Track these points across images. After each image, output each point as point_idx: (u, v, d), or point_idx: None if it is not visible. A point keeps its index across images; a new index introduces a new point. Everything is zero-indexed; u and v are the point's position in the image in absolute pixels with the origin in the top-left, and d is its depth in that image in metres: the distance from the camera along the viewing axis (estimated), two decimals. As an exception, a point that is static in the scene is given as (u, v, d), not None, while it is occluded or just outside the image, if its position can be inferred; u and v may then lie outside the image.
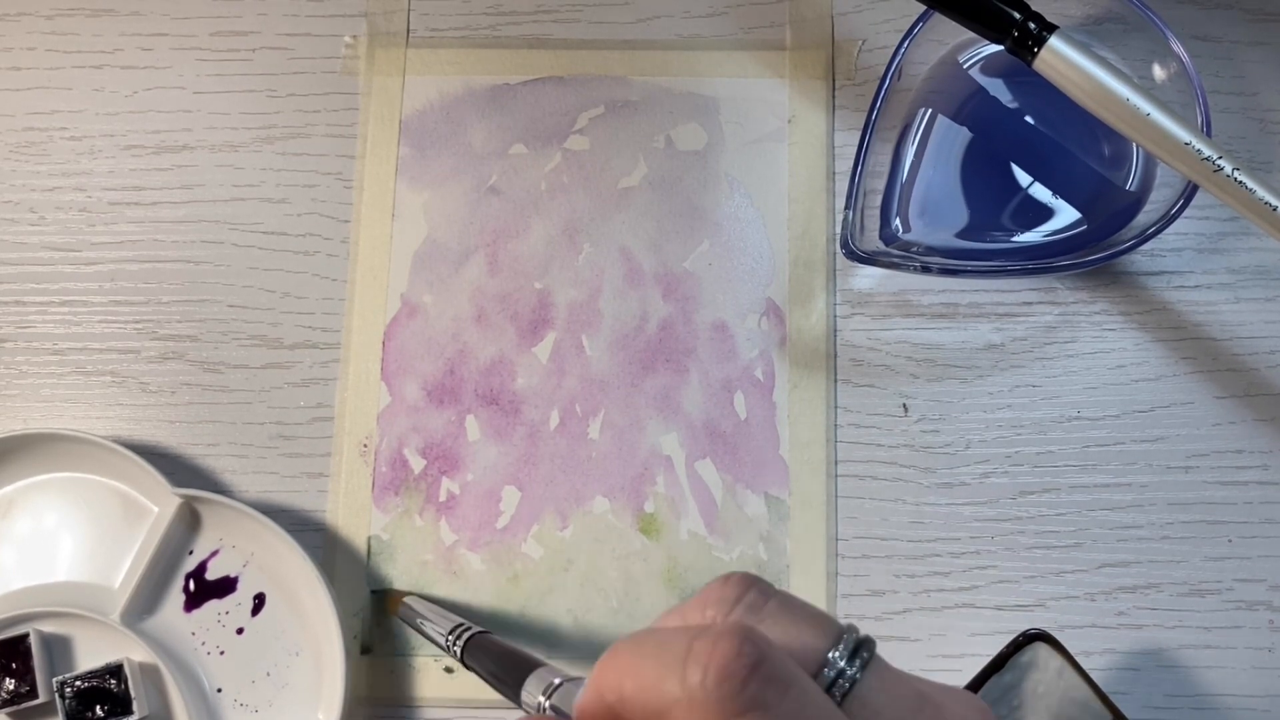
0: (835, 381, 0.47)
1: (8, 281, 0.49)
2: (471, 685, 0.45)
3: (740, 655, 0.21)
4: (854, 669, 0.23)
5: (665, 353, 0.48)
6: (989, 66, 0.48)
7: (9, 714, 0.44)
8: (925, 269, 0.44)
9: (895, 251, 0.45)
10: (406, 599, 0.44)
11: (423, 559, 0.46)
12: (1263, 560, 0.45)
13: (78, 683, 0.43)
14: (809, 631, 0.24)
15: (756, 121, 0.49)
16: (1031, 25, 0.42)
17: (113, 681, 0.43)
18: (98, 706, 0.43)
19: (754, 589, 0.24)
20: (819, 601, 0.45)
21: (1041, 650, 0.40)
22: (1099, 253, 0.44)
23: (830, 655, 0.23)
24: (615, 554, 0.46)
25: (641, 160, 0.49)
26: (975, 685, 0.40)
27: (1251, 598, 0.45)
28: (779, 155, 0.49)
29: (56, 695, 0.43)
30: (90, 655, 0.45)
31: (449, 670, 0.45)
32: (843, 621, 0.24)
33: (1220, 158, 0.41)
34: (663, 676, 0.22)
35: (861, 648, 0.23)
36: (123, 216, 0.50)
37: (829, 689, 0.23)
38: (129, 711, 0.43)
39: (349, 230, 0.49)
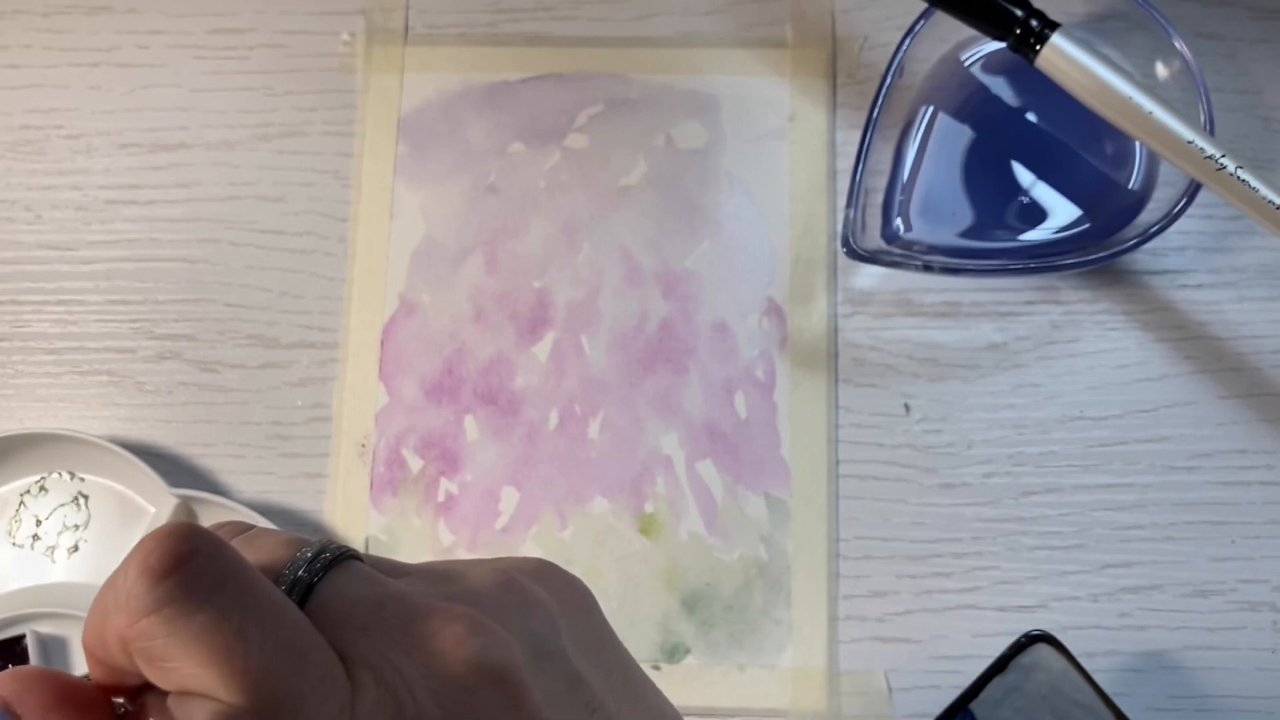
0: (836, 381, 0.47)
1: (3, 280, 0.49)
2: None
3: (160, 550, 0.21)
4: (310, 574, 0.23)
5: (665, 353, 0.47)
6: (991, 64, 0.47)
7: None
8: (927, 268, 0.44)
9: (897, 250, 0.45)
10: None
11: (421, 560, 0.46)
12: (1266, 561, 0.45)
13: None
14: (278, 549, 0.24)
15: (757, 120, 0.49)
16: (1034, 23, 0.42)
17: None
18: None
19: (222, 531, 0.24)
20: (819, 602, 0.45)
21: (1044, 651, 0.40)
22: (1102, 251, 0.44)
23: (286, 568, 0.23)
24: (615, 555, 0.46)
25: (641, 159, 0.49)
26: (977, 686, 0.40)
27: (1255, 598, 0.44)
28: (780, 153, 0.49)
29: None
30: (86, 657, 0.44)
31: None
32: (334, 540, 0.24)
33: (1224, 156, 0.41)
34: (104, 592, 0.21)
35: (319, 558, 0.23)
36: (119, 215, 0.49)
37: (289, 591, 0.23)
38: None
39: (346, 229, 0.49)
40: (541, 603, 0.26)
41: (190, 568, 0.21)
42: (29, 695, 0.22)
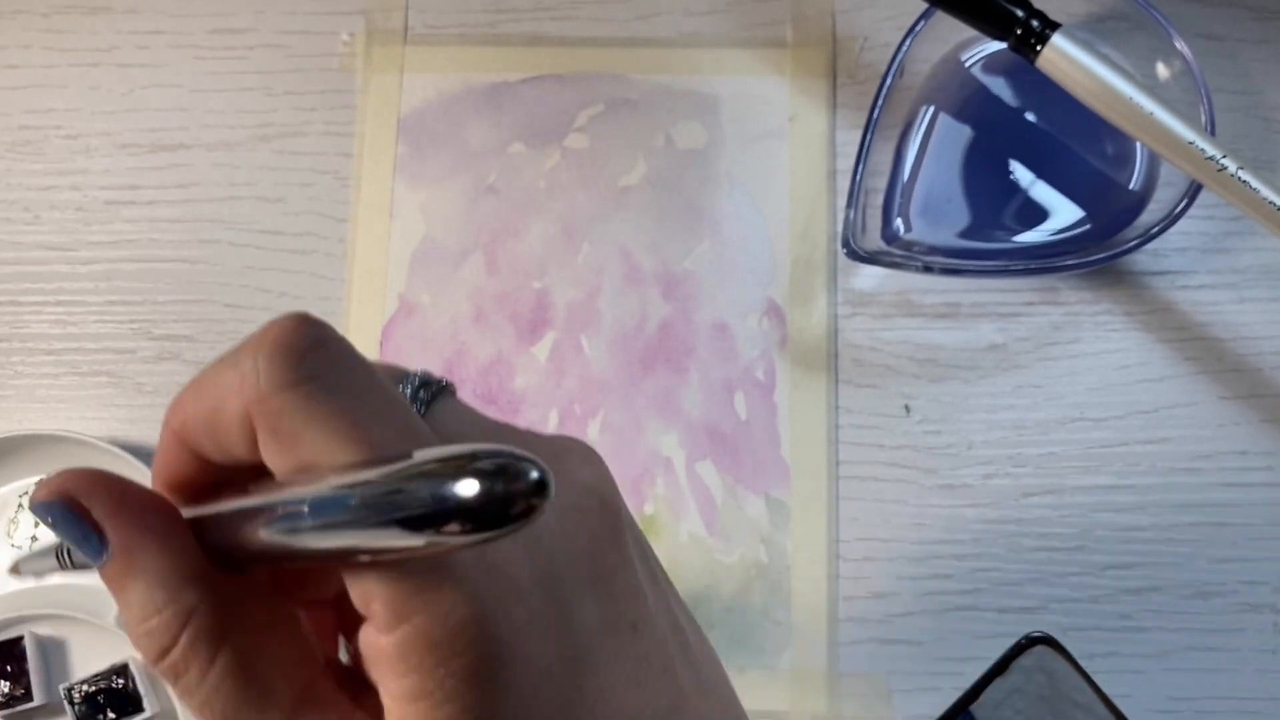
0: (836, 382, 0.47)
1: (3, 281, 0.49)
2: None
3: (298, 333, 0.21)
4: (424, 397, 0.23)
5: (665, 353, 0.47)
6: (991, 64, 0.47)
7: (6, 716, 0.44)
8: (927, 269, 0.44)
9: (897, 251, 0.45)
10: None
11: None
12: (1267, 562, 0.45)
13: (85, 687, 0.43)
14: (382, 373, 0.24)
15: (757, 120, 0.49)
16: (1034, 23, 0.42)
17: (120, 681, 0.43)
18: (107, 709, 0.43)
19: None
20: (820, 603, 0.45)
21: (1045, 653, 0.40)
22: (1102, 252, 0.44)
23: (404, 380, 0.23)
24: (615, 556, 0.46)
25: (641, 159, 0.49)
26: (978, 688, 0.40)
27: (1256, 600, 0.44)
28: (780, 154, 0.49)
29: (65, 701, 0.43)
30: (86, 658, 0.44)
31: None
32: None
33: (1224, 157, 0.41)
34: (221, 374, 0.21)
35: (426, 388, 0.23)
36: (118, 216, 0.49)
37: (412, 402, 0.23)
38: (140, 709, 0.42)
39: (346, 230, 0.49)
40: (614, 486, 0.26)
41: (330, 349, 0.21)
42: (95, 491, 0.22)
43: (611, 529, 0.23)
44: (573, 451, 0.24)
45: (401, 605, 0.19)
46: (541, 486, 0.17)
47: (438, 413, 0.23)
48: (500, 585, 0.20)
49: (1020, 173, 0.46)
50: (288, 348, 0.20)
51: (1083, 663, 0.40)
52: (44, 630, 0.44)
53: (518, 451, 0.17)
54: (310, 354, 0.21)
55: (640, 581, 0.23)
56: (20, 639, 0.43)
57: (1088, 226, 0.46)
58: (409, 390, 0.23)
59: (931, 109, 0.47)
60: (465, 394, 0.47)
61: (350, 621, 0.22)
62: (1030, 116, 0.47)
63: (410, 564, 0.19)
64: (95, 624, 0.44)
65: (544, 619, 0.21)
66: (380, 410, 0.21)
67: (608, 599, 0.22)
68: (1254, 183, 0.40)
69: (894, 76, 0.45)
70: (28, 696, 0.43)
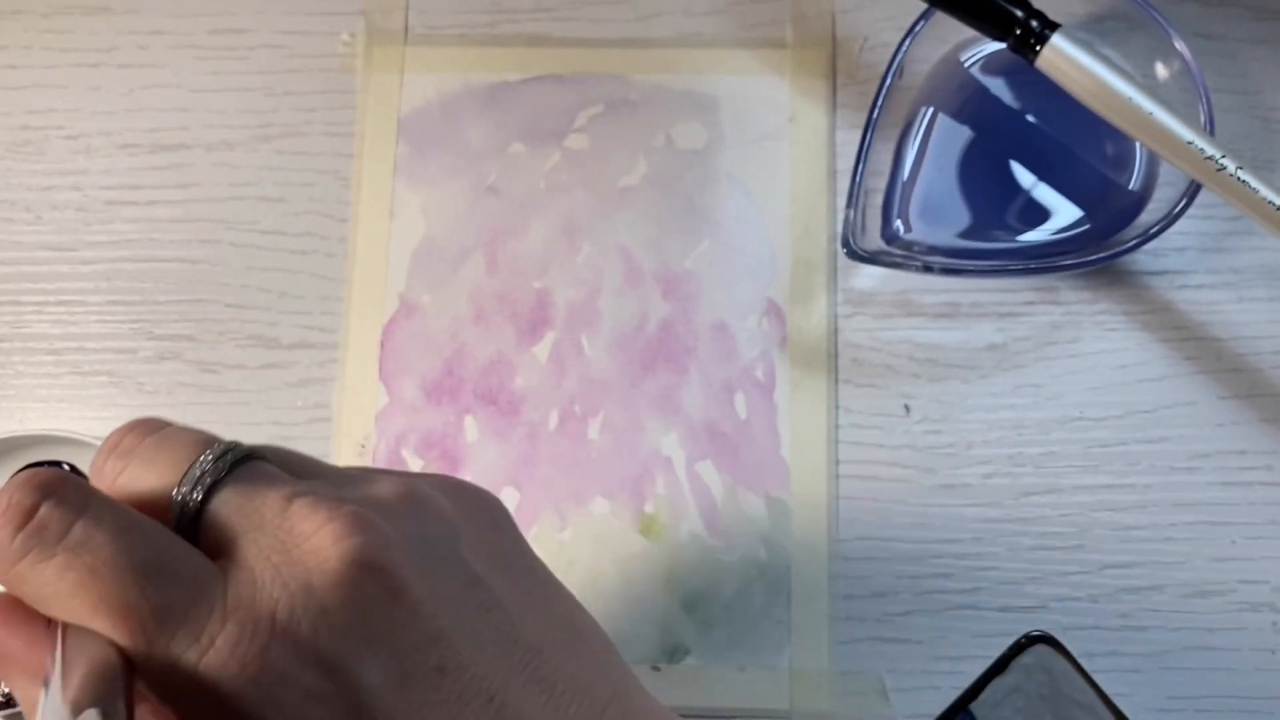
0: (836, 382, 0.47)
1: (3, 281, 0.49)
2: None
3: (11, 505, 0.23)
4: (216, 472, 0.25)
5: (665, 353, 0.47)
6: (991, 65, 0.47)
7: (6, 715, 0.44)
8: (927, 268, 0.44)
9: (897, 251, 0.45)
10: None
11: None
12: (1266, 561, 0.45)
13: None
14: (188, 448, 0.25)
15: (757, 120, 0.49)
16: (1034, 23, 0.42)
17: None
18: None
19: (134, 431, 0.26)
20: (819, 602, 0.45)
21: (1044, 652, 0.40)
22: (1102, 252, 0.44)
23: (195, 465, 0.25)
24: (615, 555, 0.46)
25: (641, 159, 0.49)
26: (978, 687, 0.40)
27: (1255, 599, 0.44)
28: (780, 154, 0.49)
29: None
30: (87, 657, 0.44)
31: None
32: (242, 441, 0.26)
33: (1223, 157, 0.41)
34: None
35: (224, 457, 0.25)
36: (119, 216, 0.49)
37: (192, 490, 0.25)
38: None
39: (346, 229, 0.49)
40: (441, 512, 0.27)
41: (38, 518, 0.23)
42: None
43: (385, 589, 0.24)
44: (349, 510, 0.25)
45: None
46: None
47: (226, 489, 0.25)
48: (267, 676, 0.23)
49: (1020, 173, 0.46)
50: (8, 522, 0.23)
51: (1082, 661, 0.40)
52: (45, 630, 0.44)
53: None
54: (24, 525, 0.23)
55: (444, 625, 0.25)
56: (21, 638, 0.43)
57: (1087, 226, 0.46)
58: (203, 468, 0.25)
59: (931, 109, 0.47)
60: (465, 394, 0.47)
61: None
62: (1030, 117, 0.47)
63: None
64: (96, 623, 0.44)
65: (322, 690, 0.23)
66: (100, 560, 0.23)
67: (394, 655, 0.24)
68: (1253, 182, 0.40)
69: (894, 77, 0.45)
70: (29, 696, 0.43)
